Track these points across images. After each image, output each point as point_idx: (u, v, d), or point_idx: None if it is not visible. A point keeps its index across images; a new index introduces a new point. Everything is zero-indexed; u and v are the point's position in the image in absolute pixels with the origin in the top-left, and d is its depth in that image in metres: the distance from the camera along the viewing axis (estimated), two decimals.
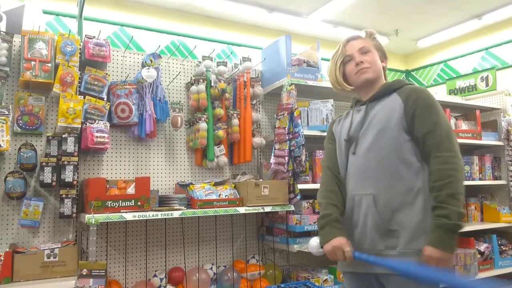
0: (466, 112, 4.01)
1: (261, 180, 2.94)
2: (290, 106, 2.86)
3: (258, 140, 3.06)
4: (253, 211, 2.64)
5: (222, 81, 2.92)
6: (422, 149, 1.60)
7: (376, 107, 1.71)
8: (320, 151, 3.13)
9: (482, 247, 3.68)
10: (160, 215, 2.35)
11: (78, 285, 2.13)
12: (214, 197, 2.62)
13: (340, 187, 1.77)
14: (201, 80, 2.89)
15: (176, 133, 2.97)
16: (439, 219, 1.48)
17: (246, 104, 3.05)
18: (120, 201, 2.33)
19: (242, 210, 2.61)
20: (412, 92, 1.64)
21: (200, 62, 3.02)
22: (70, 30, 2.61)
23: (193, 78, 2.94)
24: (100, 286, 2.15)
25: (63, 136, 2.41)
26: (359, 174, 1.69)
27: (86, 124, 2.46)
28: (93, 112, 2.52)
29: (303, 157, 2.82)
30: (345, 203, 1.75)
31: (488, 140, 3.81)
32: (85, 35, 2.61)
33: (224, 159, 2.90)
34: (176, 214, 2.41)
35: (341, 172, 1.79)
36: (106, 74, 2.64)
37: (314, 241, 1.73)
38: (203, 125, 2.80)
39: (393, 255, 1.56)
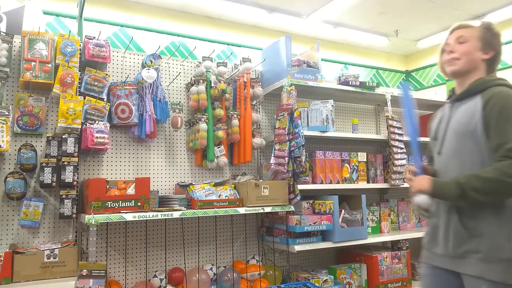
0: None
1: (261, 180, 2.94)
2: (290, 106, 2.86)
3: (258, 140, 3.06)
4: (253, 212, 2.64)
5: (222, 82, 2.92)
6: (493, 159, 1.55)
7: (460, 107, 1.67)
8: (320, 151, 3.13)
9: None
10: (160, 215, 2.35)
11: (78, 286, 2.13)
12: (214, 197, 2.62)
13: None
14: (201, 81, 2.90)
15: (176, 134, 2.97)
16: (457, 180, 1.53)
17: (246, 104, 3.05)
18: (120, 202, 2.33)
19: (242, 210, 2.61)
20: (493, 97, 1.55)
21: (200, 62, 3.02)
22: (70, 31, 2.61)
23: (193, 78, 2.94)
24: (100, 287, 2.15)
25: (63, 136, 2.41)
26: (444, 176, 1.68)
27: (86, 125, 2.46)
28: (93, 112, 2.52)
29: (303, 158, 2.82)
30: None
31: None
32: (85, 35, 2.61)
33: (224, 160, 2.90)
34: (176, 214, 2.41)
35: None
36: (106, 74, 2.64)
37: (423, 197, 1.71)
38: (203, 125, 2.80)
39: (475, 259, 1.54)
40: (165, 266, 2.80)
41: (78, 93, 2.53)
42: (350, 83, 3.28)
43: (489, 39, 1.68)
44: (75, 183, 2.40)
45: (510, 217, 1.53)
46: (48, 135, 2.44)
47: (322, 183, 3.08)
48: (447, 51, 1.70)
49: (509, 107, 1.52)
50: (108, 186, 2.43)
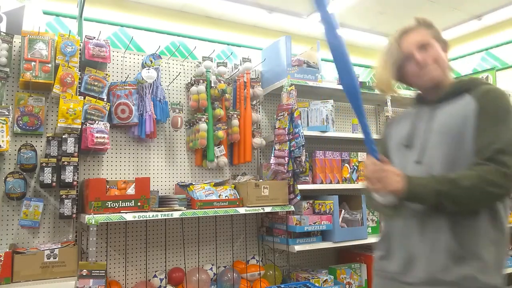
0: None
1: (261, 180, 2.94)
2: (290, 106, 2.86)
3: (258, 140, 3.06)
4: (253, 212, 2.64)
5: (222, 82, 2.92)
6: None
7: (445, 109, 1.40)
8: (320, 151, 3.13)
9: None
10: (160, 215, 2.35)
11: (78, 286, 2.14)
12: (214, 197, 2.62)
13: None
14: (201, 81, 2.90)
15: (176, 134, 2.97)
16: (437, 187, 1.25)
17: (246, 104, 3.05)
18: (120, 202, 2.33)
19: (242, 210, 2.61)
20: (488, 93, 1.34)
21: (200, 62, 3.02)
22: (70, 31, 2.61)
23: (193, 78, 2.94)
24: (100, 287, 2.15)
25: (63, 136, 2.41)
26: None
27: (86, 125, 2.46)
28: (93, 112, 2.52)
29: (303, 158, 2.82)
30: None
31: None
32: (85, 35, 2.61)
33: (224, 160, 2.90)
34: (176, 214, 2.41)
35: None
36: (106, 74, 2.64)
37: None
38: (203, 125, 2.80)
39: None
40: (165, 266, 2.80)
41: (78, 93, 2.53)
42: None
43: (441, 37, 1.52)
44: (75, 183, 2.40)
45: (501, 230, 1.30)
46: (48, 135, 2.44)
47: (322, 183, 3.08)
48: (415, 62, 1.44)
49: (506, 107, 1.31)
50: (108, 186, 2.43)
